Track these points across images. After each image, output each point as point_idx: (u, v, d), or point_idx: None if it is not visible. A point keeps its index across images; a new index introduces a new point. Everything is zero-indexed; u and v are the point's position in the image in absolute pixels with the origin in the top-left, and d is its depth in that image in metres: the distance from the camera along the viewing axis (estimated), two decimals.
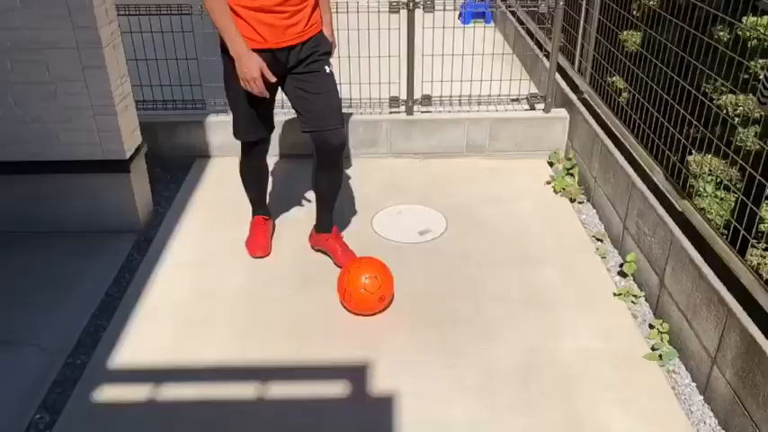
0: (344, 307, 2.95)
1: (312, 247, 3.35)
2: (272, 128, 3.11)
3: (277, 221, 3.61)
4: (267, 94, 2.79)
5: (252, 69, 2.69)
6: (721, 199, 2.80)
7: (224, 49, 2.79)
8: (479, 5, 6.39)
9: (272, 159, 4.25)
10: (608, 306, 3.01)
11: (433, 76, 4.35)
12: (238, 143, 4.19)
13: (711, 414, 2.50)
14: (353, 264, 2.96)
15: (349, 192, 3.88)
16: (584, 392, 2.55)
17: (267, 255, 3.31)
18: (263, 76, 2.72)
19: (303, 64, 2.85)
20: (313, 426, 2.42)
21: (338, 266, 3.17)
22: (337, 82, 3.01)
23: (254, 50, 2.71)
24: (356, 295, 2.86)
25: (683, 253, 2.71)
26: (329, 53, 2.94)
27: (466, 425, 2.41)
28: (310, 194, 3.86)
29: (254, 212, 3.42)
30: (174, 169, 4.20)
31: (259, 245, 3.33)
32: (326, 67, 2.89)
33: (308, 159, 4.24)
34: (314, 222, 3.33)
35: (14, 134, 3.27)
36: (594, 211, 3.75)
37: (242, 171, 3.26)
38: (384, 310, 2.95)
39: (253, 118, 2.97)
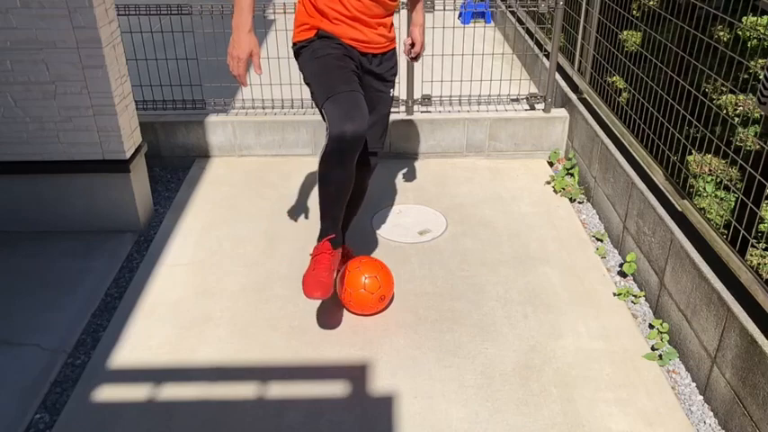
0: (344, 307, 2.95)
1: None
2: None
3: (277, 221, 3.61)
4: (245, 82, 2.51)
5: (243, 49, 2.44)
6: (721, 199, 2.81)
7: (299, 52, 2.65)
8: (479, 5, 6.39)
9: (279, 157, 4.26)
10: (608, 306, 3.01)
11: (432, 76, 4.35)
12: (238, 142, 4.24)
13: (711, 414, 2.50)
14: (353, 264, 2.96)
15: None
16: (584, 392, 2.55)
17: (328, 296, 2.60)
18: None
19: (377, 77, 2.73)
20: (312, 426, 2.42)
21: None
22: None
23: (339, 39, 2.55)
24: (356, 295, 2.86)
25: (683, 253, 2.71)
26: (396, 74, 2.84)
27: (466, 425, 2.41)
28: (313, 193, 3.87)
29: (324, 233, 2.67)
30: (174, 169, 4.21)
31: (319, 282, 2.57)
32: (392, 91, 2.83)
33: (304, 158, 4.24)
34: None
35: (14, 134, 3.27)
36: (594, 210, 3.75)
37: (329, 174, 2.52)
38: (384, 310, 2.95)
39: (356, 101, 2.46)
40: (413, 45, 2.99)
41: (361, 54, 2.64)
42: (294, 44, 2.68)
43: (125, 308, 2.98)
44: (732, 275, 2.46)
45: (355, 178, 2.60)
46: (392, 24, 2.72)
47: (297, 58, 2.69)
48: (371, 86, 2.73)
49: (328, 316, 2.94)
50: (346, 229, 3.10)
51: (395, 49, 2.79)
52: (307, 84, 2.64)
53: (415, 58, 3.04)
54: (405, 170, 4.18)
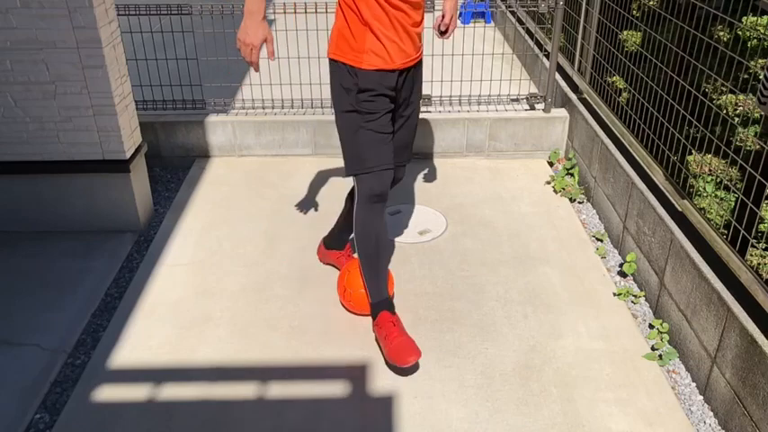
0: (344, 306, 2.95)
1: (321, 261, 3.28)
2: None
3: (277, 220, 3.61)
4: (258, 68, 2.47)
5: (257, 36, 2.36)
6: (721, 199, 2.81)
7: (334, 75, 2.56)
8: (479, 5, 6.39)
9: (279, 157, 4.26)
10: (608, 306, 3.01)
11: (432, 76, 4.35)
12: (238, 142, 4.24)
13: (711, 414, 2.50)
14: (353, 263, 2.96)
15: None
16: (584, 392, 2.55)
17: (421, 355, 2.62)
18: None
19: (410, 88, 2.64)
20: (312, 426, 2.42)
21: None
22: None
23: (381, 71, 2.48)
24: (356, 295, 2.86)
25: (683, 253, 2.71)
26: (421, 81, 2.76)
27: (466, 425, 2.41)
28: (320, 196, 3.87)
29: (378, 307, 2.74)
30: (174, 169, 4.21)
31: (406, 348, 2.61)
32: (419, 99, 2.76)
33: (304, 158, 4.24)
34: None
35: (14, 134, 3.27)
36: (594, 210, 3.75)
37: (366, 227, 2.65)
38: None
39: (382, 150, 2.56)
40: (443, 18, 2.78)
41: (399, 74, 2.53)
42: (332, 60, 2.55)
43: (125, 308, 2.98)
44: (732, 275, 2.46)
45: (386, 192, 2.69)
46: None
47: (330, 70, 2.60)
48: (404, 102, 2.66)
49: (328, 316, 2.94)
50: (348, 235, 3.08)
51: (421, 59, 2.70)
52: (337, 126, 2.61)
53: (445, 32, 2.79)
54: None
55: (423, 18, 2.57)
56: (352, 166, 2.59)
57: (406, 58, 2.53)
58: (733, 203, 2.77)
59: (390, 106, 2.57)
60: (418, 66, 2.66)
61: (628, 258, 3.18)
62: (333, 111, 2.68)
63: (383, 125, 2.56)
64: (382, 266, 2.74)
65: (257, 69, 2.48)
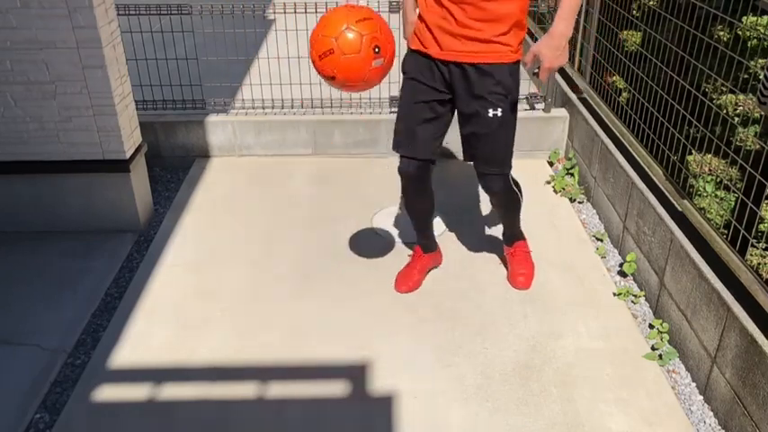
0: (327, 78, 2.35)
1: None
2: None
3: (277, 220, 3.61)
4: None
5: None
6: (721, 199, 2.81)
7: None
8: None
9: (279, 156, 4.26)
10: (608, 306, 3.01)
11: None
12: (238, 142, 4.24)
13: (711, 414, 2.50)
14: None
15: (349, 192, 3.89)
16: (583, 392, 2.55)
17: (413, 291, 3.07)
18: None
19: (470, 91, 2.53)
20: (312, 425, 2.42)
21: (510, 284, 3.12)
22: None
23: (417, 53, 2.58)
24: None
25: (683, 253, 2.71)
26: (504, 95, 2.54)
27: (465, 424, 2.41)
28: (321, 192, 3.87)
29: (417, 243, 3.17)
30: (174, 169, 4.21)
31: (405, 280, 3.09)
32: (491, 110, 2.54)
33: (304, 158, 4.24)
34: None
35: (14, 134, 3.27)
36: (594, 210, 3.75)
37: (405, 202, 3.05)
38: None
39: (411, 138, 2.71)
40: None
41: (443, 64, 2.53)
42: None
43: (125, 308, 2.98)
44: (732, 275, 2.46)
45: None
46: (509, 28, 2.43)
47: None
48: (463, 101, 2.59)
49: (328, 315, 2.94)
50: (509, 230, 3.12)
51: (506, 65, 2.51)
52: None
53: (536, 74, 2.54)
54: None
55: (494, 16, 2.39)
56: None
57: (448, 48, 2.48)
58: (733, 203, 2.77)
59: (430, 97, 2.61)
60: (480, 67, 2.49)
61: (628, 258, 3.18)
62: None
63: (416, 114, 2.64)
64: (422, 229, 3.06)
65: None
